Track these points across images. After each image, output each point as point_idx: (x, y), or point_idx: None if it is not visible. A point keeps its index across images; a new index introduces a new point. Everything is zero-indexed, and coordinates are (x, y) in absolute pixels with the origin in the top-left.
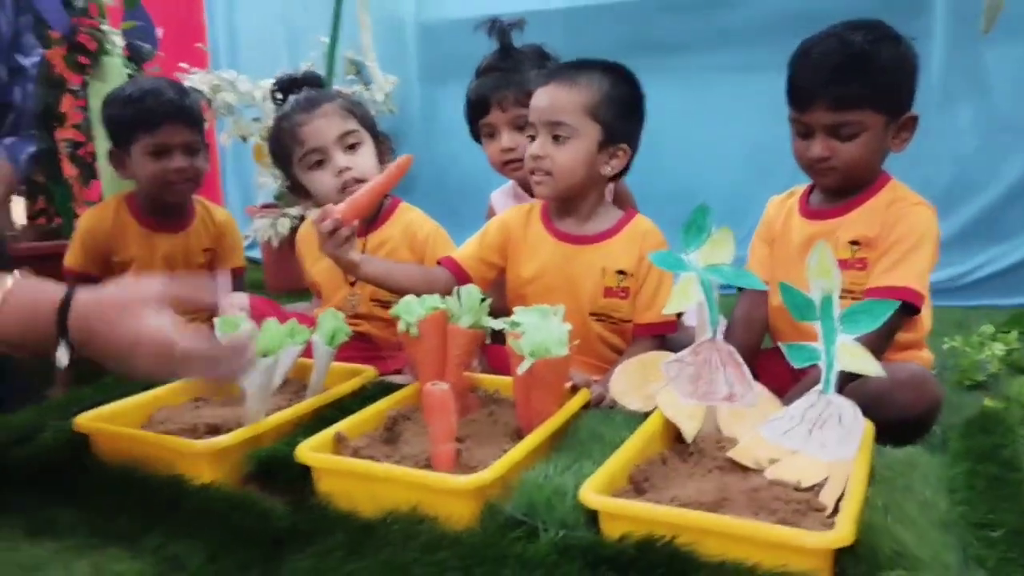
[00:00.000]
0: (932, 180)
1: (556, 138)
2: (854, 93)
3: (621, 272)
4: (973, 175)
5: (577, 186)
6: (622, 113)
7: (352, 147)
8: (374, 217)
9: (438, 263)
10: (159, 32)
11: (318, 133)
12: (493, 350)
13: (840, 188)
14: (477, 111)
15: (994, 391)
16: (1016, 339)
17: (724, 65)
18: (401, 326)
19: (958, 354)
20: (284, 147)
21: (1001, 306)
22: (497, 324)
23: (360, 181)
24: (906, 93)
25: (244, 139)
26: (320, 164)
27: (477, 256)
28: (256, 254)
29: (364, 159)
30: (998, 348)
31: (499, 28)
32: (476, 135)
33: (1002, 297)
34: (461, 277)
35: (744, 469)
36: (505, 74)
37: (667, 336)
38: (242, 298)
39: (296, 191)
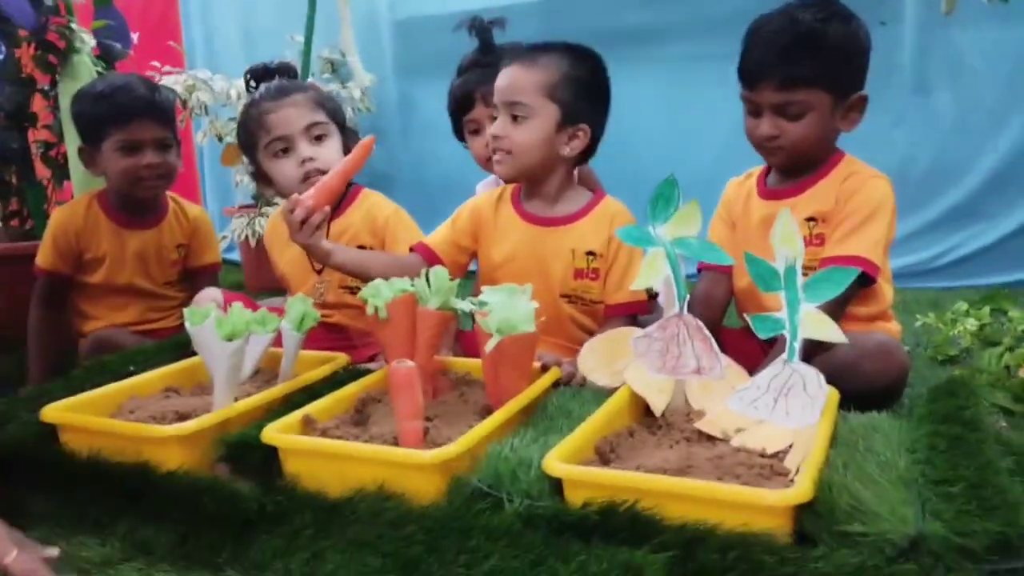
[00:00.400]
0: (907, 164)
1: (515, 118)
2: (800, 73)
3: (591, 253)
4: (948, 159)
5: (537, 166)
6: (581, 94)
7: (318, 139)
8: (336, 205)
9: (410, 250)
10: (134, 36)
11: (285, 121)
12: (467, 336)
13: (789, 166)
14: (461, 107)
15: (966, 364)
16: (988, 315)
17: (702, 53)
18: (369, 309)
19: (931, 330)
20: (251, 133)
21: (975, 286)
22: (465, 305)
23: (323, 172)
24: (855, 72)
25: (220, 139)
26: (285, 152)
27: (449, 240)
28: (236, 256)
29: (329, 151)
30: (971, 324)
31: (480, 25)
32: (459, 132)
33: (977, 278)
34: (433, 263)
35: (711, 439)
36: (488, 70)
37: (639, 316)
38: (215, 292)
39: (260, 178)
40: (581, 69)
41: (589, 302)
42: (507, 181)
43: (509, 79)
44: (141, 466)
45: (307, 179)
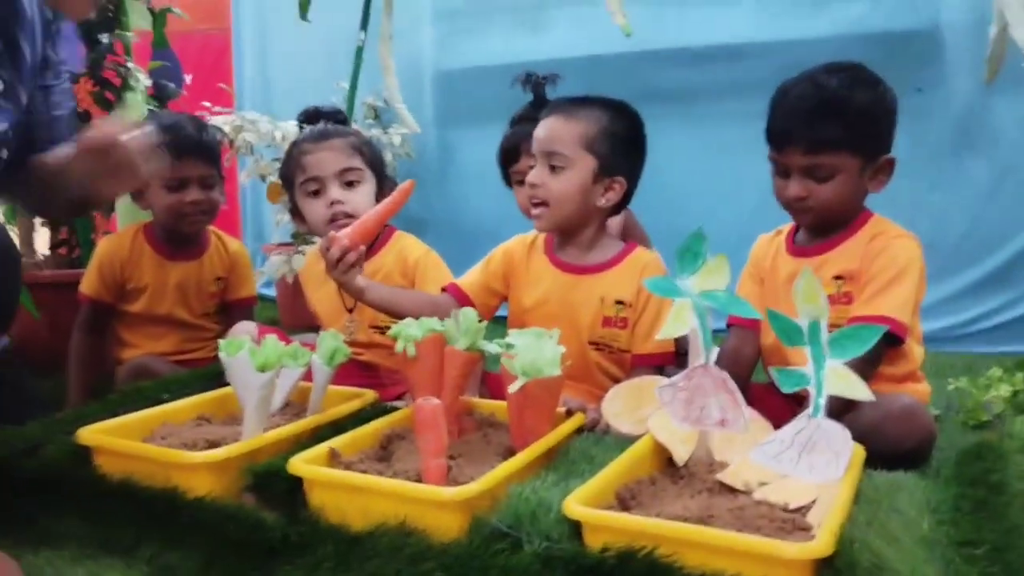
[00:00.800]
0: (944, 229)
1: (553, 168)
2: (827, 137)
3: (620, 302)
4: (984, 225)
5: (573, 215)
6: (619, 147)
7: (350, 184)
8: (370, 246)
9: (443, 290)
10: (187, 78)
11: (320, 164)
12: (493, 378)
13: (818, 226)
14: (509, 158)
15: (998, 430)
16: (1022, 381)
17: (735, 112)
18: (399, 346)
19: (964, 395)
20: (290, 171)
21: (1011, 353)
22: (492, 347)
23: (351, 216)
24: (882, 136)
25: (263, 178)
26: (316, 194)
27: (481, 283)
28: (272, 292)
29: (360, 197)
30: (1004, 389)
31: (534, 81)
32: (508, 180)
33: (1012, 344)
34: (464, 304)
35: (733, 491)
36: (537, 124)
37: (665, 368)
38: (250, 326)
39: (295, 214)
40: (619, 123)
41: (616, 350)
42: (543, 232)
43: (548, 129)
44: (170, 491)
45: (334, 221)
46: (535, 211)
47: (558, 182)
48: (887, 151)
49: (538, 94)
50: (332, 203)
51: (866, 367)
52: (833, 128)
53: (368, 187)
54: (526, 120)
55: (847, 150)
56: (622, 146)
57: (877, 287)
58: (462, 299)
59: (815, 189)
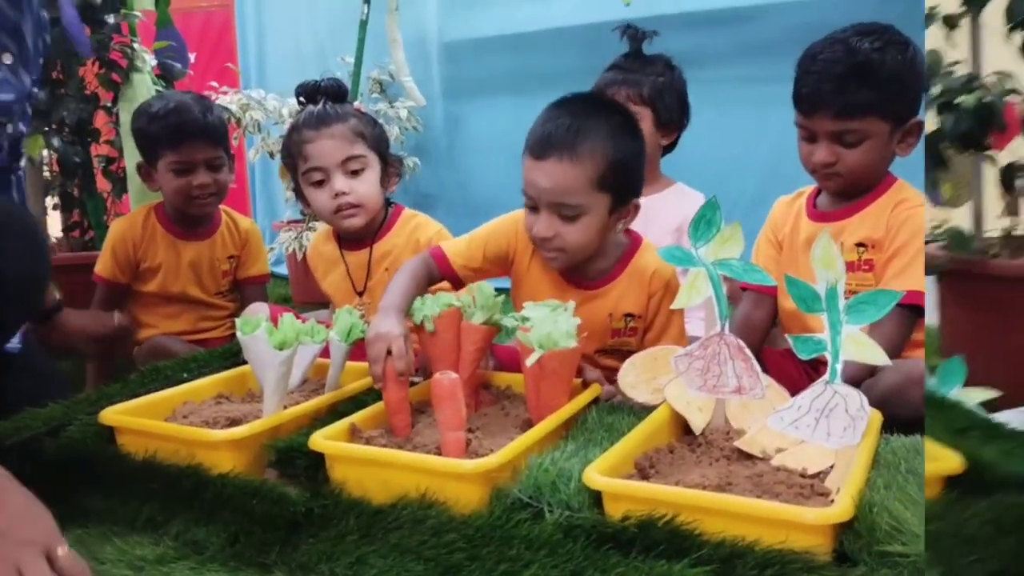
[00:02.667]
0: None
1: (564, 217)
2: (858, 102)
3: (628, 315)
4: None
5: (592, 252)
6: (631, 171)
7: (354, 172)
8: (379, 227)
9: (430, 255)
10: (191, 57)
11: (322, 153)
12: (502, 349)
13: (844, 192)
14: None
15: None
16: None
17: (745, 77)
18: (416, 321)
19: None
20: (291, 156)
21: None
22: (508, 321)
23: (356, 206)
24: (912, 99)
25: (272, 155)
26: (320, 184)
27: (475, 268)
28: (283, 270)
29: (364, 185)
30: None
31: (631, 33)
32: None
33: None
34: (449, 277)
35: (751, 458)
36: (625, 72)
37: None
38: (263, 307)
39: (300, 197)
40: (625, 143)
41: (627, 353)
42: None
43: (551, 179)
44: (194, 468)
45: (339, 211)
46: (548, 255)
47: (574, 232)
48: (915, 114)
49: (633, 47)
50: (337, 194)
51: (900, 342)
52: (865, 93)
53: (372, 172)
54: (616, 68)
55: (878, 115)
56: (634, 167)
57: (904, 261)
58: (445, 269)
59: (843, 154)
